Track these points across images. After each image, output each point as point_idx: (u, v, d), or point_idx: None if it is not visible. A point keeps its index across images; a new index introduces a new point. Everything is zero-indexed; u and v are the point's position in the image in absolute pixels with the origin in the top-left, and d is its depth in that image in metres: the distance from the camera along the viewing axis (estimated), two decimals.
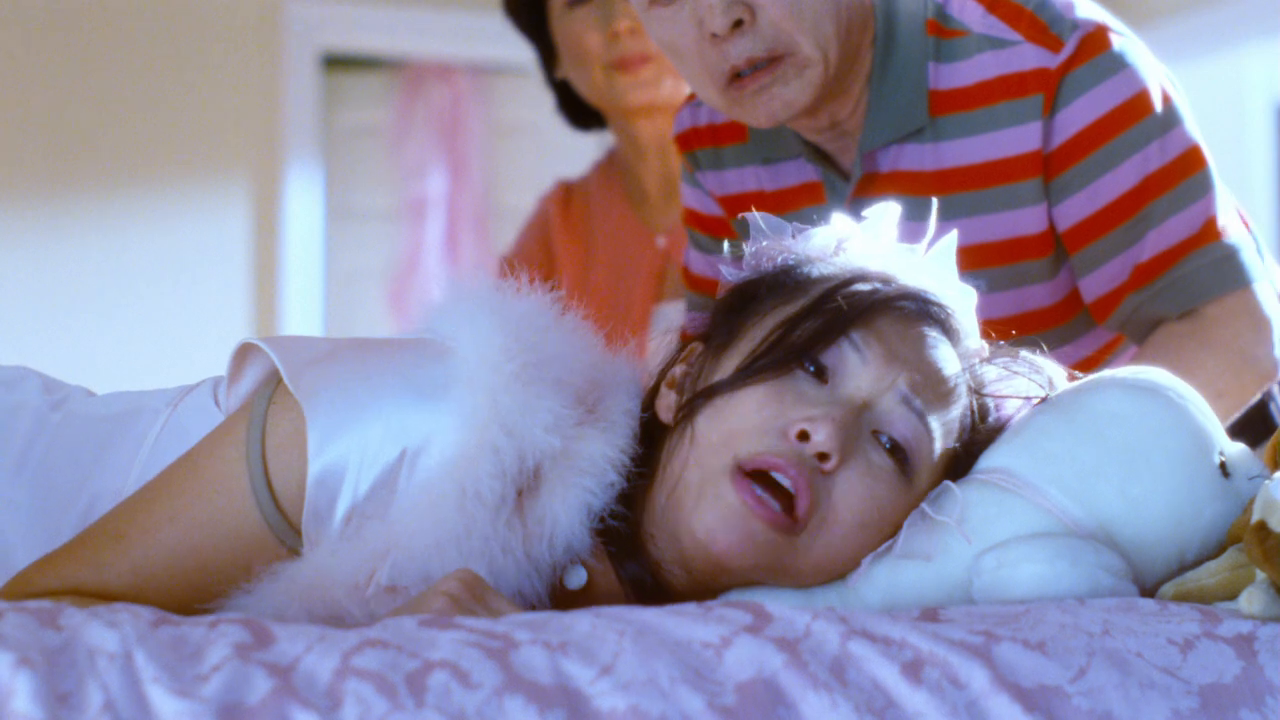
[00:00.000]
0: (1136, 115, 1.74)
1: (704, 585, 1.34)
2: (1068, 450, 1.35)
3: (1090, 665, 1.13)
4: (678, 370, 1.41)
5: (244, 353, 1.40)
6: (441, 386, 1.31)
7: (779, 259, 1.42)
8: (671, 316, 2.59)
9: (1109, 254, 1.77)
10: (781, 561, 1.31)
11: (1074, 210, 1.76)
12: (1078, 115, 1.74)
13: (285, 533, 1.32)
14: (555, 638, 1.08)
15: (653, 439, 1.37)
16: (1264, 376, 1.77)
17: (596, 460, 1.32)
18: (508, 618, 1.13)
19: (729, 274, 1.44)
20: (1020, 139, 1.75)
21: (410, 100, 5.89)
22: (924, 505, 1.34)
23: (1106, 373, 1.43)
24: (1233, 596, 1.27)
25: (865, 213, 1.45)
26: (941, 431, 1.34)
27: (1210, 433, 1.38)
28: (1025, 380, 1.42)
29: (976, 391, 1.40)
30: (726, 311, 1.41)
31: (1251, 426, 1.84)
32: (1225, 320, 1.74)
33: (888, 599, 1.32)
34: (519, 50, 2.86)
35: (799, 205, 1.88)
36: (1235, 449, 1.39)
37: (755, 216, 1.43)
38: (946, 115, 1.78)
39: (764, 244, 1.43)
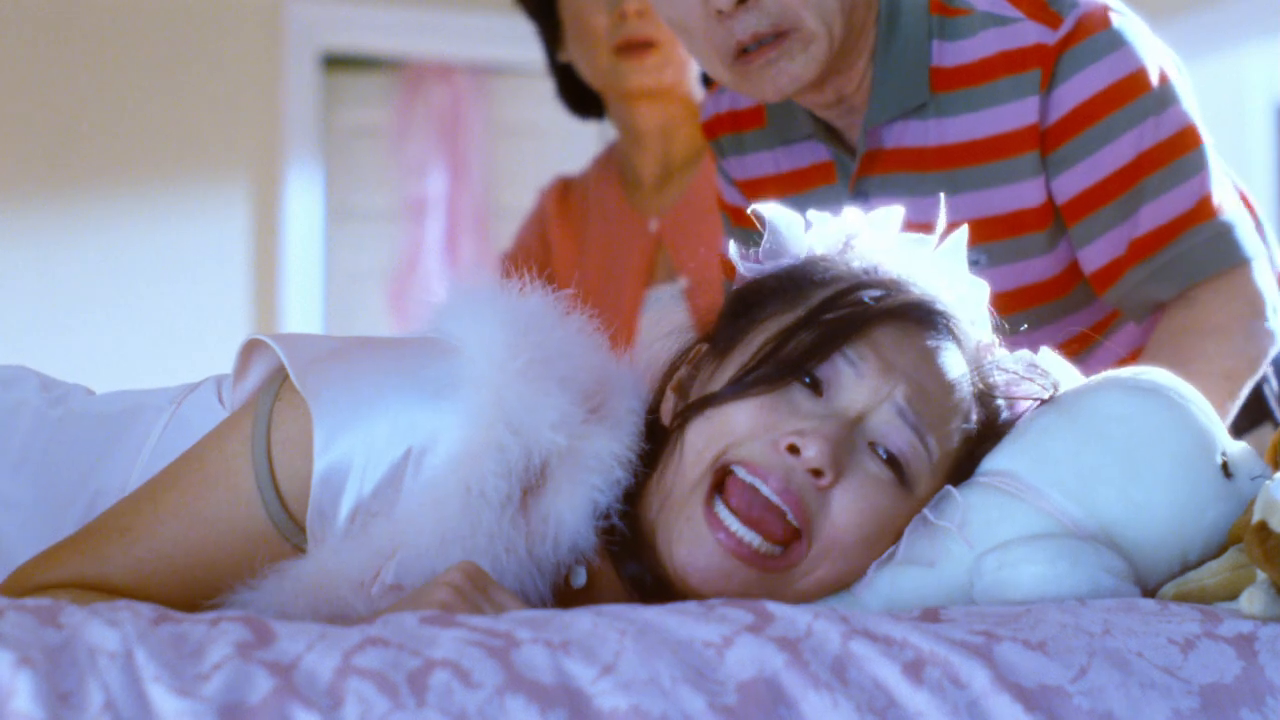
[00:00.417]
0: (1133, 92, 1.77)
1: None
2: (1069, 452, 1.35)
3: (1091, 665, 1.13)
4: (682, 372, 1.41)
5: (250, 349, 1.40)
6: (447, 385, 1.31)
7: (788, 257, 1.42)
8: (664, 299, 2.60)
9: (1105, 227, 1.80)
10: (775, 590, 1.30)
11: (1071, 184, 1.79)
12: (1075, 91, 1.77)
13: (290, 530, 1.32)
14: (557, 636, 1.08)
15: (657, 439, 1.37)
16: (1263, 350, 1.79)
17: (603, 458, 1.32)
18: (509, 615, 1.13)
19: (746, 269, 1.44)
20: (1019, 114, 1.79)
21: (410, 100, 5.89)
22: (925, 511, 1.33)
23: (1108, 373, 1.43)
24: (1233, 596, 1.26)
25: (871, 214, 1.45)
26: (939, 441, 1.33)
27: (1213, 433, 1.37)
28: (1034, 384, 1.42)
29: (984, 395, 1.39)
30: (730, 315, 1.41)
31: (1247, 410, 1.87)
32: (1221, 301, 1.77)
33: (889, 605, 1.32)
34: (519, 50, 2.87)
35: (812, 184, 1.93)
36: (1238, 449, 1.39)
37: (767, 209, 1.43)
38: (949, 91, 1.82)
39: (777, 237, 1.43)
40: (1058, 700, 1.10)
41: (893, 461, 1.31)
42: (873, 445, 1.31)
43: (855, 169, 1.86)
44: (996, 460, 1.37)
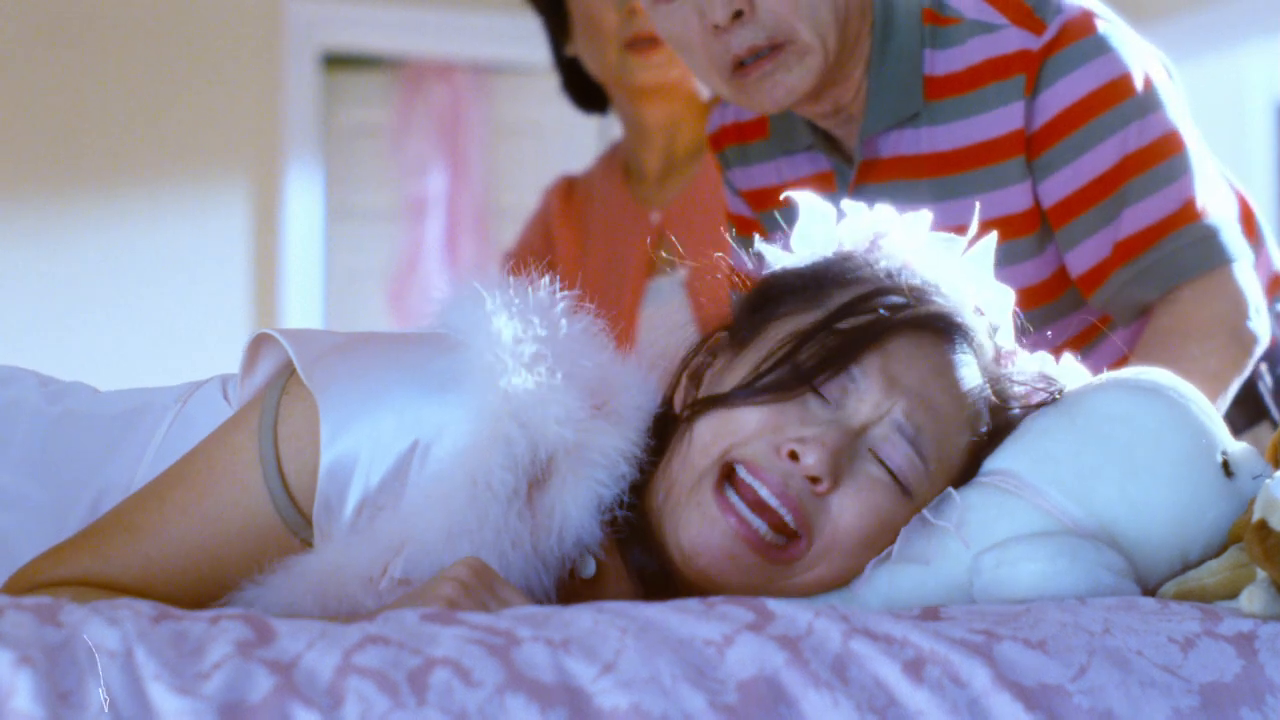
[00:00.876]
0: (1116, 97, 1.79)
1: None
2: (1069, 451, 1.35)
3: (1091, 664, 1.13)
4: (699, 359, 1.41)
5: (258, 344, 1.40)
6: (453, 379, 1.31)
7: (817, 249, 1.42)
8: (664, 291, 2.61)
9: (1090, 230, 1.81)
10: (775, 584, 1.31)
11: (1056, 188, 1.82)
12: (1059, 96, 1.79)
13: (298, 524, 1.32)
14: (557, 635, 1.08)
15: (665, 432, 1.37)
16: (1245, 349, 1.81)
17: (608, 452, 1.32)
18: (509, 612, 1.13)
19: (773, 256, 1.44)
20: (1005, 119, 1.81)
21: (410, 99, 5.89)
22: (924, 510, 1.33)
23: (1109, 374, 1.43)
24: (1233, 595, 1.26)
25: (904, 215, 1.46)
26: (941, 454, 1.34)
27: (1213, 432, 1.37)
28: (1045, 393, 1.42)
29: (998, 405, 1.39)
30: (750, 306, 1.41)
31: (1241, 405, 1.89)
32: (1204, 302, 1.79)
33: (888, 603, 1.32)
34: (519, 50, 2.87)
35: None
36: (1239, 448, 1.39)
37: (802, 197, 1.44)
38: (940, 100, 1.84)
39: (810, 228, 1.43)
40: (1058, 699, 1.10)
41: (891, 473, 1.32)
42: (873, 451, 1.32)
43: (853, 178, 1.88)
44: (996, 460, 1.37)
